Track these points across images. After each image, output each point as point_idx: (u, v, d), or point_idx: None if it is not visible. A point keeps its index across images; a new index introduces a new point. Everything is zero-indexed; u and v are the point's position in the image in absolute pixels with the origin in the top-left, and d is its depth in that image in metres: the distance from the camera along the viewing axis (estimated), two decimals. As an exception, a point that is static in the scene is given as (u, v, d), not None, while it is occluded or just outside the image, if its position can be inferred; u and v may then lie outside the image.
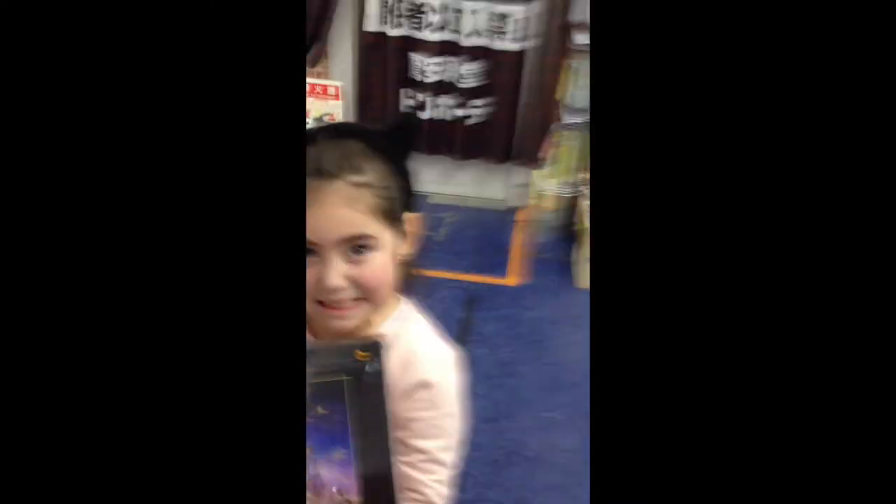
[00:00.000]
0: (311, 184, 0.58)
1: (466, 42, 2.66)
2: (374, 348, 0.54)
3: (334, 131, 0.65)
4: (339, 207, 0.60)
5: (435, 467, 0.65)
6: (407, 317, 0.72)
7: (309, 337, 0.64)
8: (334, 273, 0.60)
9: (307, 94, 2.76)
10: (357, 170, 0.61)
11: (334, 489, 0.54)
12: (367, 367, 0.53)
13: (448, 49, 2.71)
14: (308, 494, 0.54)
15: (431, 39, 2.67)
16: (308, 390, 0.51)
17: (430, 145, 2.93)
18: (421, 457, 0.64)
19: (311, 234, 0.59)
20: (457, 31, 2.66)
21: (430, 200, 3.14)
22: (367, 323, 0.68)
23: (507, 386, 1.79)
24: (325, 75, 2.80)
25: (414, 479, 0.63)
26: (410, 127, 0.68)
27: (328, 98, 2.77)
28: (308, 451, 0.52)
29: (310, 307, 0.63)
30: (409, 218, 0.69)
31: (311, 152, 0.60)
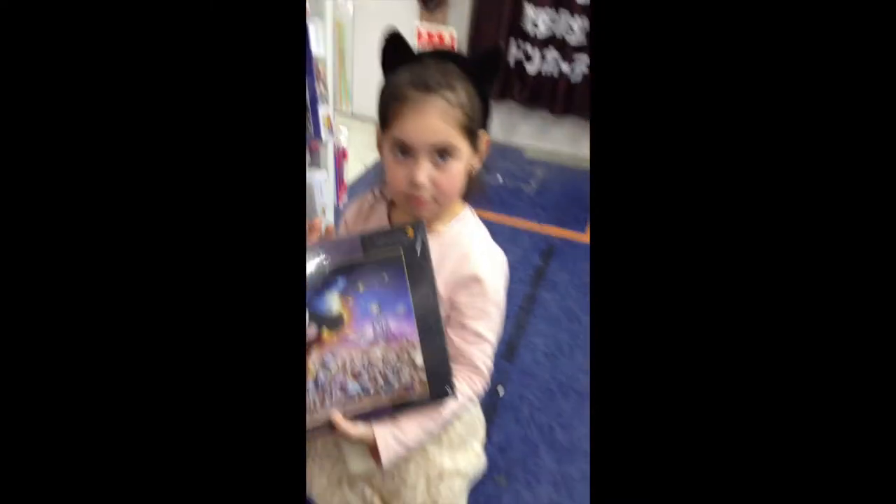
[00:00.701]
0: (414, 94, 0.73)
1: (581, -2, 2.68)
2: (419, 226, 0.70)
3: (438, 54, 0.77)
4: (435, 118, 0.72)
5: (481, 342, 0.81)
6: (467, 220, 0.84)
7: (367, 225, 0.78)
8: (422, 172, 0.73)
9: (423, 40, 2.91)
10: (452, 88, 0.74)
11: (402, 338, 0.70)
12: (416, 241, 0.69)
13: (562, 2, 2.74)
14: (381, 343, 0.70)
15: (547, -9, 2.71)
16: (373, 264, 0.67)
17: (531, 98, 3.00)
18: (471, 334, 0.81)
19: (407, 137, 0.73)
20: (573, -15, 2.68)
21: (527, 154, 3.23)
22: (437, 219, 0.83)
23: (567, 329, 1.94)
24: (443, 21, 2.93)
25: (465, 351, 0.80)
26: (496, 59, 0.80)
27: (442, 46, 2.90)
28: (376, 308, 0.69)
29: (397, 198, 0.79)
30: (483, 136, 0.81)
31: (418, 69, 0.74)
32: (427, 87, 0.73)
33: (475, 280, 0.80)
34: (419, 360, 0.69)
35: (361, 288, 0.68)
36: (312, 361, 0.68)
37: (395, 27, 0.79)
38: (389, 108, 0.76)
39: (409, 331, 0.69)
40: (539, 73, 2.91)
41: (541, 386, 1.71)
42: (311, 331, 0.67)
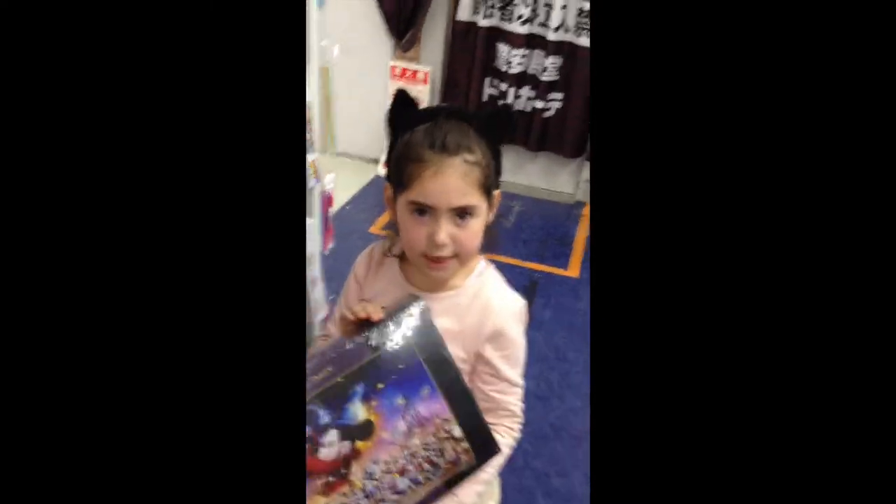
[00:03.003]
0: (433, 157, 0.72)
1: (553, 37, 2.73)
2: (417, 303, 0.69)
3: (453, 113, 0.77)
4: (456, 180, 0.72)
5: (514, 388, 0.84)
6: (485, 273, 0.86)
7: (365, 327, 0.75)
8: (444, 232, 0.73)
9: (397, 78, 2.92)
10: (470, 150, 0.74)
11: (434, 419, 0.68)
12: (419, 317, 0.69)
13: (535, 42, 2.80)
14: (417, 431, 0.68)
15: (519, 32, 2.76)
16: (385, 358, 0.66)
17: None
18: (505, 384, 0.83)
19: (428, 199, 0.73)
20: (545, 25, 2.74)
21: (502, 188, 3.25)
22: (456, 275, 0.83)
23: (557, 368, 1.92)
24: (417, 60, 2.95)
25: (502, 401, 0.83)
26: (508, 118, 0.82)
27: (416, 83, 2.92)
28: (402, 400, 0.67)
29: (415, 258, 0.78)
30: (496, 192, 0.82)
31: (434, 130, 0.74)
32: (447, 149, 0.73)
33: (500, 334, 0.82)
34: (457, 431, 0.68)
35: (381, 386, 0.67)
36: (355, 475, 0.66)
37: (402, 89, 0.78)
38: (406, 169, 0.75)
39: (440, 408, 0.68)
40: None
41: (534, 431, 1.68)
42: (344, 447, 0.66)
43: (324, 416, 0.65)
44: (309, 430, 0.64)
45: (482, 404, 0.82)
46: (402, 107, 0.78)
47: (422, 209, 0.74)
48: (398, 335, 0.68)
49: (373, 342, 0.67)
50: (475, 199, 0.74)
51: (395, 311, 0.69)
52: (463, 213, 0.74)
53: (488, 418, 0.79)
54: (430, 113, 0.78)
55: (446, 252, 0.75)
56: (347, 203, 2.69)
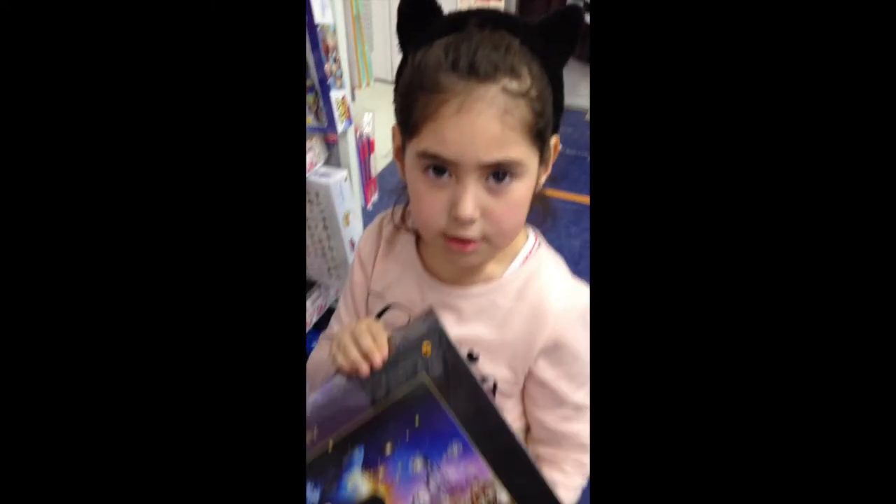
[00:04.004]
0: (456, 83, 0.46)
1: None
2: (432, 330, 0.47)
3: (489, 19, 0.49)
4: (491, 121, 0.46)
5: (582, 412, 0.60)
6: (534, 256, 0.61)
7: (367, 365, 0.51)
8: (470, 201, 0.48)
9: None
10: (514, 73, 0.47)
11: (470, 483, 0.49)
12: (438, 351, 0.47)
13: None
14: (445, 501, 0.49)
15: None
16: (395, 410, 0.47)
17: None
18: (569, 409, 0.60)
19: (447, 150, 0.47)
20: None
21: (588, 118, 2.87)
22: (493, 262, 0.59)
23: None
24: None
25: (567, 431, 0.60)
26: (574, 22, 0.51)
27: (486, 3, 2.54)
28: (421, 463, 0.48)
29: (430, 236, 0.54)
30: (555, 139, 0.55)
31: (460, 43, 0.48)
32: (477, 73, 0.47)
33: (559, 346, 0.57)
34: (504, 496, 0.50)
35: (389, 449, 0.48)
36: None
37: None
38: (416, 104, 0.49)
39: (477, 469, 0.49)
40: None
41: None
42: None
43: (312, 492, 0.47)
44: None
45: (539, 433, 0.61)
46: (417, 8, 0.51)
47: (439, 166, 0.49)
48: (411, 381, 0.47)
49: (376, 392, 0.47)
50: (520, 150, 0.49)
51: (408, 342, 0.48)
52: (500, 172, 0.49)
53: (550, 451, 0.62)
54: (457, 19, 0.50)
55: (473, 232, 0.51)
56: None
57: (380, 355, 0.48)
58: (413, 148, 0.50)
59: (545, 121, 0.50)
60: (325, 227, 1.23)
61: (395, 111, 0.54)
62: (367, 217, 1.39)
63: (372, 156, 1.32)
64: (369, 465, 0.48)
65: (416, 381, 0.47)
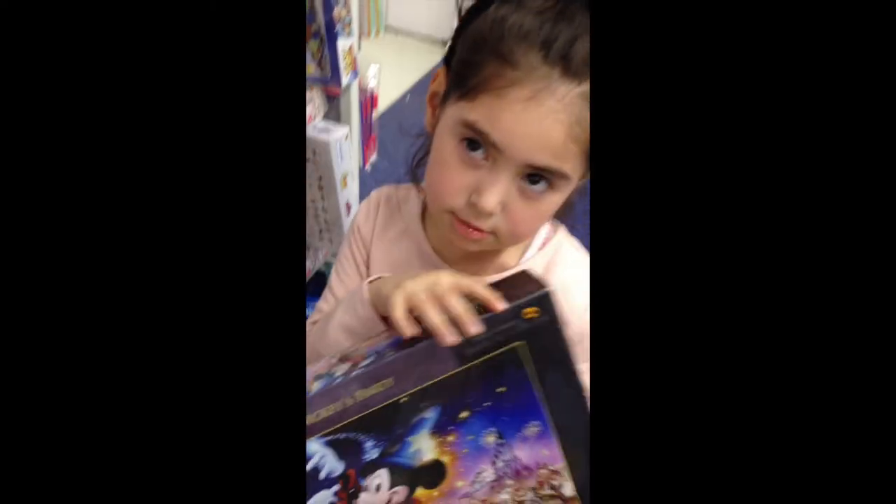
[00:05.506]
0: (538, 69, 0.41)
1: None
2: (543, 301, 0.43)
3: None
4: (557, 125, 0.41)
5: None
6: (552, 242, 0.58)
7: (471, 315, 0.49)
8: (496, 195, 0.44)
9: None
10: (587, 72, 0.41)
11: (539, 469, 0.46)
12: (541, 320, 0.43)
13: None
14: (510, 484, 0.45)
15: None
16: (480, 372, 0.43)
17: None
18: None
19: (500, 135, 0.42)
20: None
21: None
22: (504, 251, 0.56)
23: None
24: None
25: None
26: None
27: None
28: (494, 437, 0.44)
29: (436, 209, 0.50)
30: None
31: (558, 18, 0.41)
32: (568, 65, 0.41)
33: (585, 339, 0.53)
34: (569, 489, 0.46)
35: (465, 415, 0.44)
36: None
37: None
38: (483, 67, 0.43)
39: (551, 455, 0.46)
40: None
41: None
42: (397, 495, 0.45)
43: (371, 449, 0.43)
44: (343, 467, 0.43)
45: None
46: None
47: (477, 142, 0.44)
48: (504, 344, 0.43)
49: (466, 350, 0.42)
50: (572, 166, 0.44)
51: (512, 304, 0.43)
52: (540, 177, 0.45)
53: None
54: None
55: (487, 224, 0.47)
56: (405, 95, 2.22)
57: (474, 325, 0.41)
58: (459, 111, 0.44)
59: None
60: (321, 188, 1.15)
61: (450, 55, 0.48)
62: (364, 179, 1.30)
63: (374, 111, 1.22)
64: (440, 430, 0.44)
65: (512, 348, 0.43)
